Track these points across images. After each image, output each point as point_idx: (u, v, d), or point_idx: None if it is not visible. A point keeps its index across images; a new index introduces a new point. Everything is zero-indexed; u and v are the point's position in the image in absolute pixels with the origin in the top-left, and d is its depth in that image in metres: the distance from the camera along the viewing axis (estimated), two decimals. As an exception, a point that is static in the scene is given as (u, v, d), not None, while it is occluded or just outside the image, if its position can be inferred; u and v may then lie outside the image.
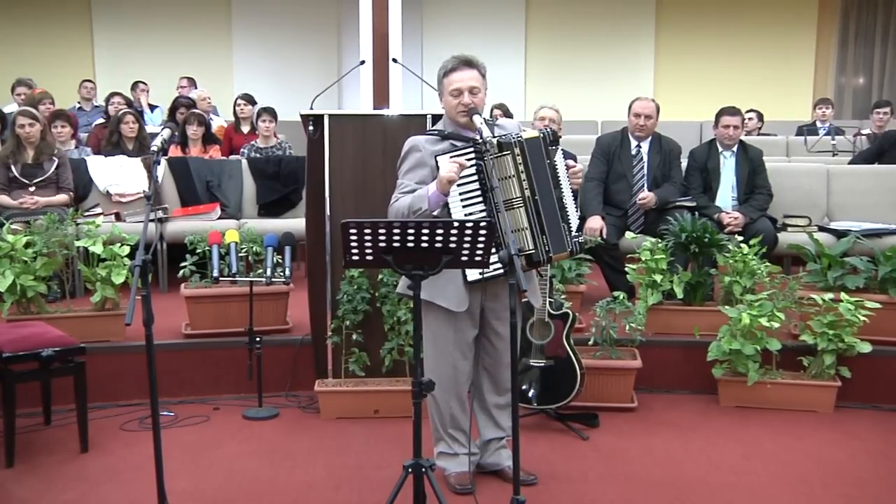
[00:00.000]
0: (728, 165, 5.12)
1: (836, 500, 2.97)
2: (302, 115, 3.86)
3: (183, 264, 4.28)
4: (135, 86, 8.30)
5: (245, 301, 3.94)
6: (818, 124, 8.21)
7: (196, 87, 8.63)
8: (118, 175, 5.79)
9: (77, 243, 4.20)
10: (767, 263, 4.17)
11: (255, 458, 3.36)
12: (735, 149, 5.13)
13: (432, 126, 3.16)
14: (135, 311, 2.25)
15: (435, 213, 2.70)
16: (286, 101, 7.70)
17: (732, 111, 5.16)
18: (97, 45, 10.09)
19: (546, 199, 2.80)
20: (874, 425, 3.74)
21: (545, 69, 10.60)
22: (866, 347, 3.82)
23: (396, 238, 2.33)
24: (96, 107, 8.16)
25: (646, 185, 4.97)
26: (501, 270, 2.69)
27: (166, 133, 2.85)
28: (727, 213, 4.92)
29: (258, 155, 6.49)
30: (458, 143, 2.80)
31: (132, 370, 3.95)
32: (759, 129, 8.38)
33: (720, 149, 5.15)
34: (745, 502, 2.96)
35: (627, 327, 3.92)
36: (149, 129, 6.89)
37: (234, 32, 10.31)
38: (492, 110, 7.16)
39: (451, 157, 2.72)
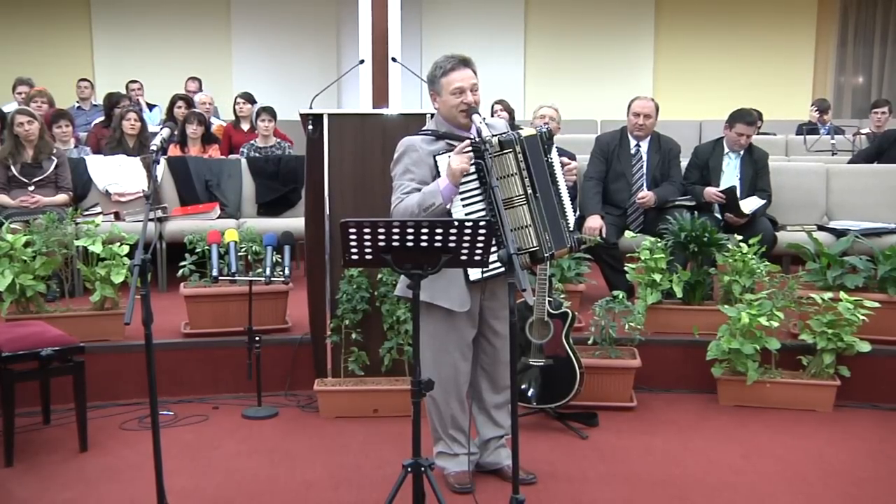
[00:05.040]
0: (732, 166, 5.11)
1: (836, 499, 2.97)
2: (301, 115, 3.86)
3: (182, 264, 4.28)
4: (129, 85, 8.30)
5: (244, 300, 3.94)
6: (818, 124, 8.22)
7: (202, 89, 8.64)
8: (117, 174, 5.79)
9: (76, 243, 4.20)
10: (767, 262, 4.17)
11: (255, 458, 3.36)
12: (741, 150, 5.12)
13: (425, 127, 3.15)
14: (134, 311, 2.26)
15: (447, 208, 2.70)
16: (286, 100, 7.69)
17: (749, 121, 5.03)
18: (97, 45, 10.10)
19: (546, 197, 2.81)
20: (874, 424, 3.74)
21: (545, 69, 10.60)
22: (865, 347, 3.82)
23: (396, 237, 2.33)
24: (95, 105, 8.16)
25: (645, 185, 4.97)
26: (502, 269, 2.69)
27: (165, 132, 2.85)
28: (711, 189, 4.93)
29: (257, 154, 6.48)
30: (455, 143, 2.80)
31: (131, 369, 3.95)
32: (759, 128, 8.37)
33: (726, 149, 5.14)
34: (744, 501, 2.96)
35: (627, 326, 3.92)
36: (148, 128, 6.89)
37: (233, 32, 10.31)
38: (492, 106, 7.17)
39: (451, 153, 2.72)
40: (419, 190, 2.77)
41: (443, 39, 9.88)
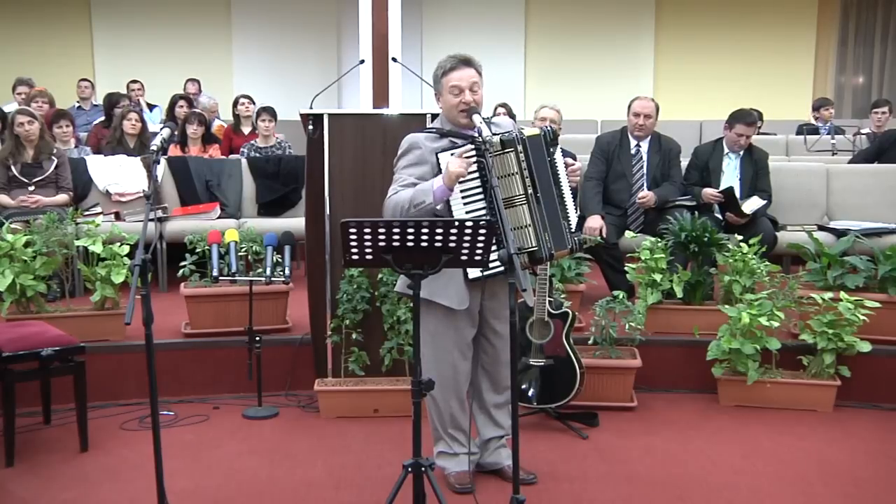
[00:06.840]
0: (732, 166, 5.10)
1: (836, 499, 2.97)
2: (301, 115, 3.86)
3: (182, 264, 4.28)
4: (129, 85, 8.30)
5: (245, 300, 3.94)
6: (819, 123, 8.22)
7: (201, 91, 8.63)
8: (118, 174, 5.79)
9: (77, 242, 4.20)
10: (767, 262, 4.17)
11: (255, 458, 3.36)
12: (741, 151, 5.12)
13: (430, 125, 3.16)
14: (134, 311, 2.25)
15: (437, 209, 2.70)
16: (286, 100, 7.70)
17: (749, 121, 5.02)
18: (97, 45, 10.11)
19: (547, 197, 2.80)
20: (874, 424, 3.74)
21: (545, 69, 10.60)
22: (866, 346, 3.82)
23: (396, 237, 2.33)
24: (95, 105, 8.16)
25: (645, 185, 4.97)
26: (502, 268, 2.69)
27: (166, 132, 2.84)
28: (708, 190, 4.95)
29: (258, 154, 6.49)
30: (458, 141, 2.81)
31: (132, 369, 3.95)
32: (759, 128, 8.38)
33: (726, 149, 5.14)
34: (744, 501, 2.96)
35: (627, 326, 3.92)
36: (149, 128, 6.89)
37: (233, 32, 10.32)
38: (495, 108, 7.16)
39: (454, 154, 2.72)
40: (416, 185, 2.78)
41: (443, 40, 9.88)
